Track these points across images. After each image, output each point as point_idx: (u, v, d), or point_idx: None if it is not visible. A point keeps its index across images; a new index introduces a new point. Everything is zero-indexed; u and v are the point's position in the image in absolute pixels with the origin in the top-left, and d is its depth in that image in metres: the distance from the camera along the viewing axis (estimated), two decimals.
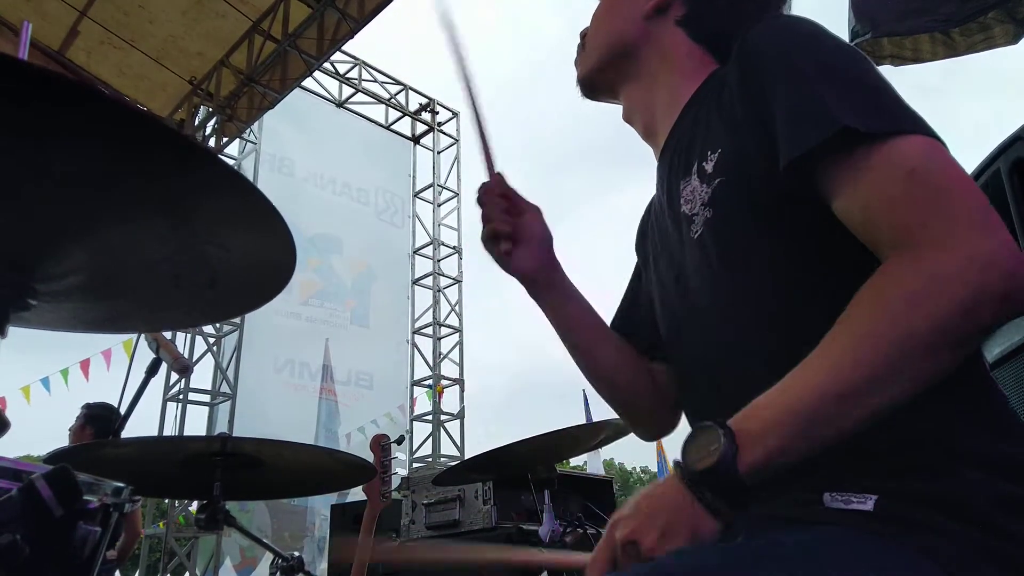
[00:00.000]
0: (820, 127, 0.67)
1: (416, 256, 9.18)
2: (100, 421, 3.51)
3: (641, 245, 1.14)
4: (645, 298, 1.09)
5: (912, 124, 0.67)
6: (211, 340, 7.32)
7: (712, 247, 0.82)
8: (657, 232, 1.01)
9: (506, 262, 1.00)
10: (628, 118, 1.05)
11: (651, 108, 1.00)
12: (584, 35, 1.07)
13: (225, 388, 7.19)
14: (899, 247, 0.64)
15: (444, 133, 9.73)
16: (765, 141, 0.74)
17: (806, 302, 0.74)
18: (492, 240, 0.99)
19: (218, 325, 7.35)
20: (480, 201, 1.00)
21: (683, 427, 1.06)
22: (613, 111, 1.09)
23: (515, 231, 0.99)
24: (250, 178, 0.95)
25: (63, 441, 3.63)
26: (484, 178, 1.02)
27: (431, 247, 9.20)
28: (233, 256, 0.82)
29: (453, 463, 6.18)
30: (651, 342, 1.06)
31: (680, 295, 0.91)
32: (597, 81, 1.05)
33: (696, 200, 0.85)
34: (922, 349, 0.61)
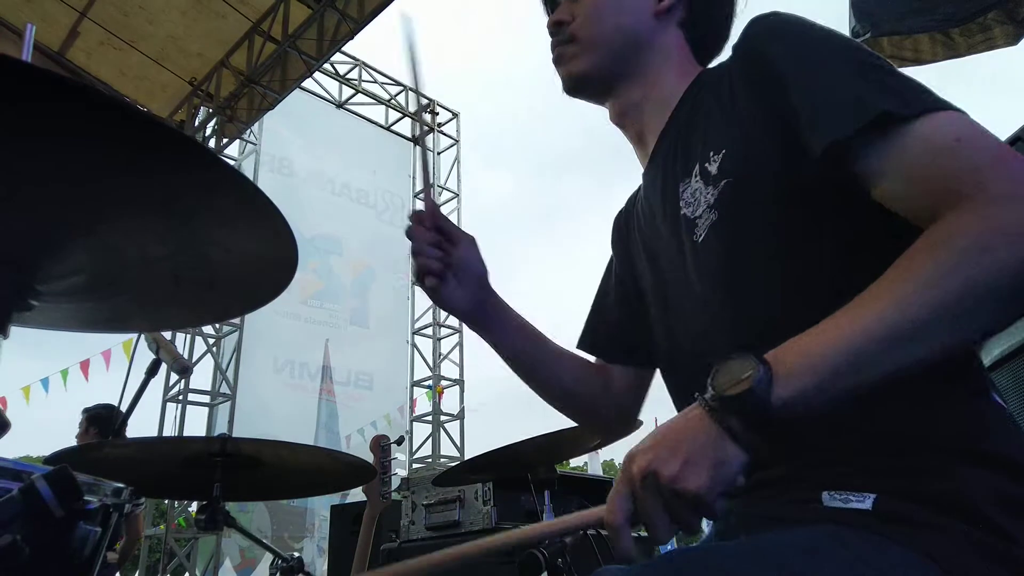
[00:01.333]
0: (858, 113, 0.68)
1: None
2: (101, 420, 3.53)
3: (619, 242, 1.11)
4: (615, 306, 1.09)
5: (937, 101, 0.68)
6: (211, 341, 7.32)
7: (719, 250, 0.81)
8: (649, 238, 0.99)
9: (436, 298, 0.96)
10: (619, 120, 1.01)
11: (643, 108, 0.98)
12: (559, 24, 0.98)
13: (225, 389, 7.18)
14: (959, 205, 0.63)
15: (444, 134, 9.73)
16: (783, 136, 0.74)
17: (817, 303, 0.74)
18: (419, 277, 0.95)
19: (218, 325, 7.35)
20: (409, 234, 0.95)
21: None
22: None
23: (447, 265, 0.95)
24: (250, 178, 0.95)
25: (63, 441, 3.65)
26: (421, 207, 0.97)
27: None
28: (234, 256, 0.82)
29: (453, 464, 6.18)
30: (624, 351, 1.07)
31: (681, 300, 0.90)
32: (595, 78, 0.98)
33: (700, 203, 0.84)
34: (986, 297, 0.59)
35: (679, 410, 0.89)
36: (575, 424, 1.18)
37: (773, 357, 0.62)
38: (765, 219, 0.78)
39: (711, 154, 0.83)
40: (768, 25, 0.80)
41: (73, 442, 3.58)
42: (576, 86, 0.99)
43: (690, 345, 0.89)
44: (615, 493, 0.63)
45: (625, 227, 1.10)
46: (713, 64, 0.99)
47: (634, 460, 0.62)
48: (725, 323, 0.82)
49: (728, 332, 0.82)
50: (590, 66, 0.97)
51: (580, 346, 1.12)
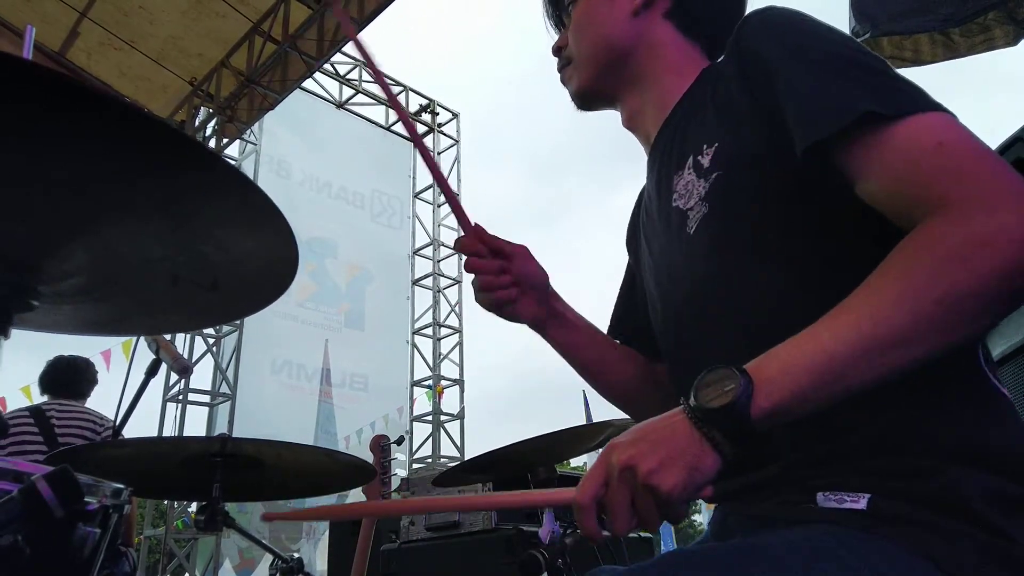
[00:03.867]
0: (841, 113, 0.68)
1: (416, 257, 9.18)
2: (41, 380, 3.28)
3: (632, 242, 1.12)
4: (641, 299, 1.08)
5: (925, 102, 0.68)
6: (211, 341, 7.32)
7: (708, 243, 0.82)
8: (648, 228, 1.00)
9: (514, 318, 0.98)
10: (629, 124, 1.03)
11: (645, 110, 0.98)
12: (559, 49, 1.03)
13: (225, 389, 7.18)
14: (939, 211, 0.63)
15: (444, 134, 9.73)
16: (772, 131, 0.74)
17: (805, 297, 0.74)
18: (497, 308, 0.97)
19: (218, 326, 7.35)
20: (469, 268, 0.96)
21: None
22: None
23: (516, 284, 0.96)
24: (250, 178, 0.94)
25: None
26: (460, 233, 0.97)
27: (431, 248, 9.20)
28: (234, 257, 0.82)
29: (453, 464, 6.17)
30: (652, 344, 1.06)
31: (673, 292, 0.90)
32: (594, 91, 1.01)
33: (692, 195, 0.84)
34: (962, 306, 0.60)
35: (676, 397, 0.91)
36: (616, 417, 1.17)
37: (755, 368, 0.63)
38: (755, 213, 0.78)
39: (704, 147, 0.84)
40: (763, 20, 0.80)
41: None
42: (581, 103, 1.04)
43: (682, 335, 0.90)
44: (590, 476, 0.64)
45: (636, 225, 1.11)
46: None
47: (615, 451, 0.64)
48: (714, 315, 0.83)
49: (717, 324, 0.82)
50: (585, 82, 1.01)
51: (611, 334, 1.13)
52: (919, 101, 0.68)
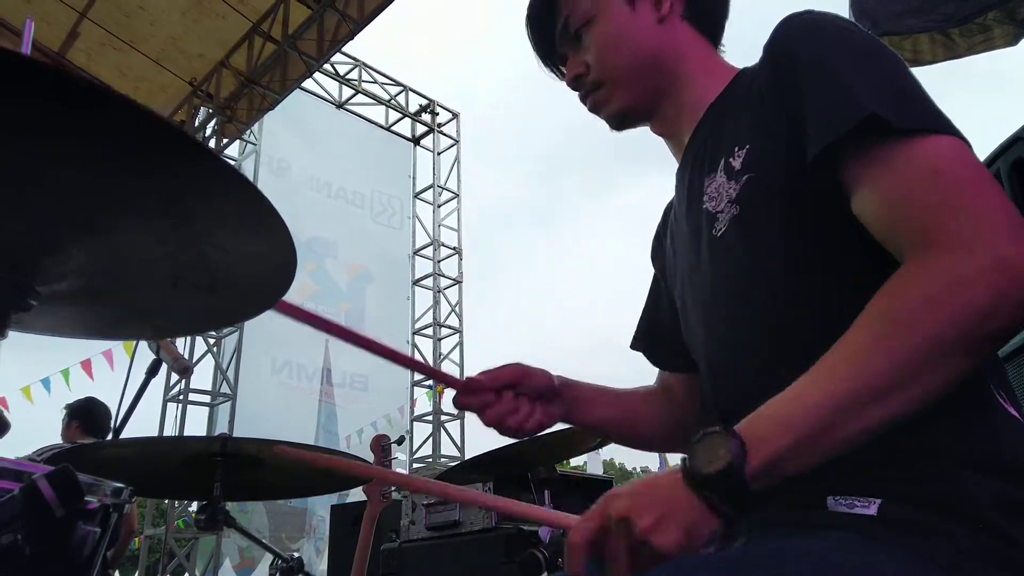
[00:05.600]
0: (846, 117, 0.67)
1: (416, 257, 9.18)
2: (82, 412, 3.58)
3: (658, 253, 1.12)
4: (666, 309, 1.08)
5: (939, 123, 0.67)
6: (211, 341, 7.32)
7: (737, 245, 0.81)
8: (676, 234, 0.99)
9: (541, 430, 1.00)
10: (662, 133, 1.01)
11: (681, 116, 0.96)
12: (578, 77, 0.98)
13: (225, 389, 7.18)
14: (920, 248, 0.63)
15: (444, 134, 9.72)
16: (795, 138, 0.74)
17: (831, 303, 0.73)
18: (530, 433, 0.99)
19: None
20: (490, 422, 0.98)
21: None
22: None
23: (531, 409, 0.98)
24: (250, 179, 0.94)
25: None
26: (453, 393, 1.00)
27: (431, 248, 9.20)
28: (232, 259, 0.82)
29: (453, 464, 6.18)
30: (673, 352, 1.07)
31: (701, 294, 0.90)
32: (636, 109, 0.97)
33: (722, 197, 0.84)
34: (941, 353, 0.60)
35: (708, 396, 0.93)
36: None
37: (746, 429, 0.62)
38: (782, 217, 0.77)
39: (736, 149, 0.83)
40: (800, 24, 0.79)
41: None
42: (622, 124, 1.00)
43: (705, 338, 0.90)
44: (587, 520, 0.64)
45: (661, 238, 1.11)
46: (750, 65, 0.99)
47: (614, 501, 0.64)
48: (740, 316, 0.82)
49: (743, 325, 0.82)
50: (628, 101, 0.97)
51: (634, 347, 1.16)
52: (932, 121, 0.67)
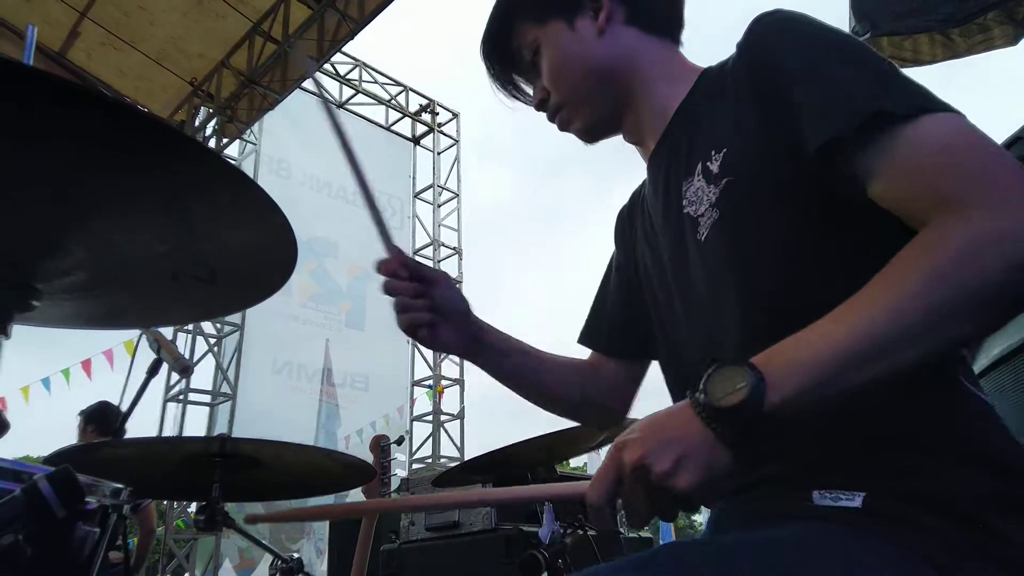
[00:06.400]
0: (854, 112, 0.68)
1: (416, 257, 9.18)
2: (98, 416, 3.59)
3: (622, 237, 1.12)
4: (616, 300, 1.11)
5: (934, 102, 0.68)
6: (212, 340, 7.32)
7: (721, 248, 0.82)
8: (651, 235, 0.99)
9: (432, 344, 0.97)
10: (632, 140, 1.01)
11: (643, 121, 0.97)
12: (542, 102, 0.99)
13: (225, 389, 7.18)
14: (946, 212, 0.63)
15: (444, 134, 9.73)
16: (785, 134, 0.74)
17: (821, 300, 0.74)
18: (411, 331, 0.96)
19: (219, 326, 7.35)
20: (387, 290, 0.95)
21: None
22: None
23: (434, 309, 0.95)
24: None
25: (63, 442, 3.65)
26: (385, 255, 0.95)
27: (431, 248, 9.21)
28: (232, 251, 0.82)
29: (453, 464, 6.17)
30: (623, 344, 1.09)
31: (684, 297, 0.90)
32: (600, 123, 0.99)
33: (702, 201, 0.84)
34: (968, 306, 0.60)
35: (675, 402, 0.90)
36: (574, 423, 1.20)
37: (764, 363, 0.62)
38: (767, 217, 0.78)
39: (712, 152, 0.83)
40: (774, 22, 0.80)
41: (74, 442, 3.60)
42: (591, 138, 1.01)
43: (694, 339, 0.90)
44: (601, 476, 0.63)
45: (628, 222, 1.10)
46: (715, 63, 0.99)
47: (625, 449, 0.62)
48: (728, 319, 0.82)
49: (732, 328, 0.82)
50: (590, 117, 0.98)
51: (581, 342, 1.15)
52: (928, 101, 0.68)
